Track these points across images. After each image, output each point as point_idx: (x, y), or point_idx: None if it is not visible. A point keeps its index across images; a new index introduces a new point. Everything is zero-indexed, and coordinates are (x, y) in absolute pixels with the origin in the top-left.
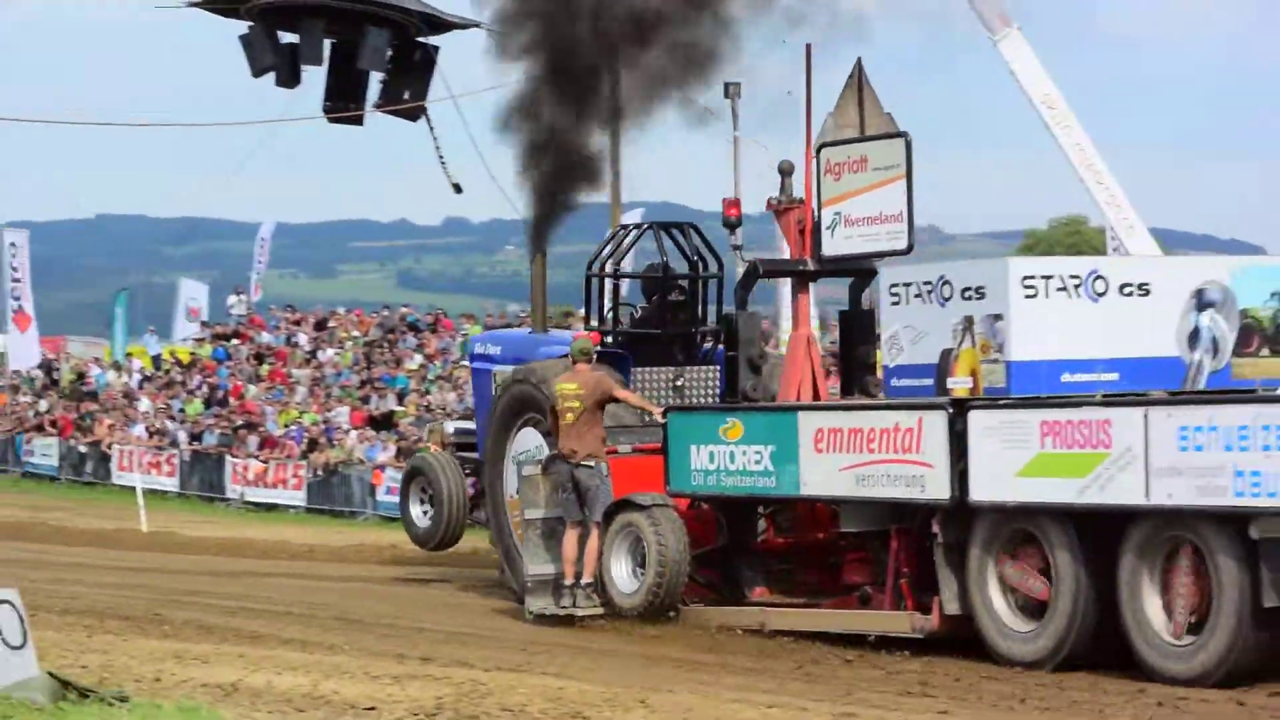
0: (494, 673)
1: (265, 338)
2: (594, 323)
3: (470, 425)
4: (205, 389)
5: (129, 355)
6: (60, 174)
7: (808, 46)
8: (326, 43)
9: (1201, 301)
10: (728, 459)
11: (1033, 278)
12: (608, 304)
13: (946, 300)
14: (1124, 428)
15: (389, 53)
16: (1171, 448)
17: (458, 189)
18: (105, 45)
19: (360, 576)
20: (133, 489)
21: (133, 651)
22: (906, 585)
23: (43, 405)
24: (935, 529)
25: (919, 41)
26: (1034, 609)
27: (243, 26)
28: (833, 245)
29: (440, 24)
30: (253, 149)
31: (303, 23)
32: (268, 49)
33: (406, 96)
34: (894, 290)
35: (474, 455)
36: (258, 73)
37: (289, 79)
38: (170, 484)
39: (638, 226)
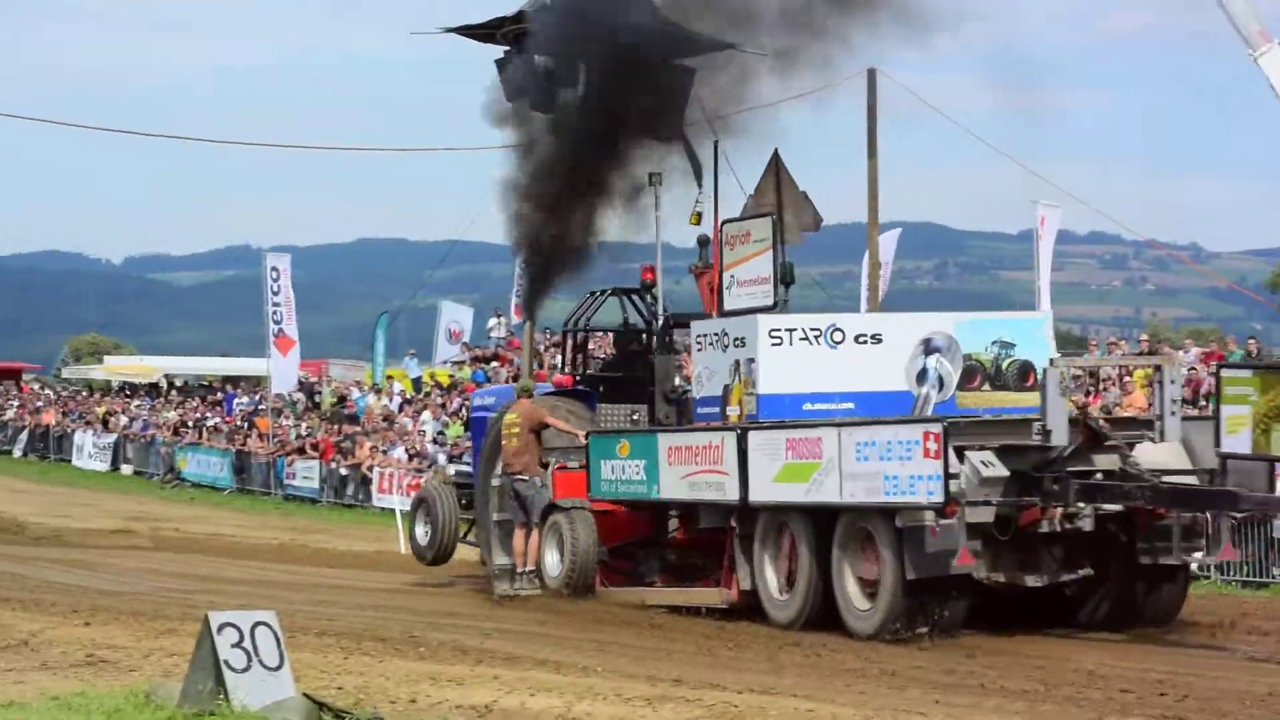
0: (745, 695)
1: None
2: (567, 369)
3: (466, 468)
4: (465, 412)
5: (389, 378)
6: (323, 199)
7: (715, 143)
8: (581, 66)
9: (929, 348)
10: (621, 471)
11: (778, 330)
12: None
13: (726, 348)
14: (828, 444)
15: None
16: (853, 459)
17: (698, 219)
18: (365, 73)
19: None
20: (393, 511)
21: (389, 673)
22: (728, 568)
23: (304, 428)
24: (734, 523)
25: (1183, 60)
26: (790, 584)
27: (498, 51)
28: (730, 302)
29: (694, 46)
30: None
31: (558, 46)
32: (523, 73)
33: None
34: (698, 339)
35: (469, 488)
36: (513, 96)
37: (545, 103)
38: None
39: (603, 292)
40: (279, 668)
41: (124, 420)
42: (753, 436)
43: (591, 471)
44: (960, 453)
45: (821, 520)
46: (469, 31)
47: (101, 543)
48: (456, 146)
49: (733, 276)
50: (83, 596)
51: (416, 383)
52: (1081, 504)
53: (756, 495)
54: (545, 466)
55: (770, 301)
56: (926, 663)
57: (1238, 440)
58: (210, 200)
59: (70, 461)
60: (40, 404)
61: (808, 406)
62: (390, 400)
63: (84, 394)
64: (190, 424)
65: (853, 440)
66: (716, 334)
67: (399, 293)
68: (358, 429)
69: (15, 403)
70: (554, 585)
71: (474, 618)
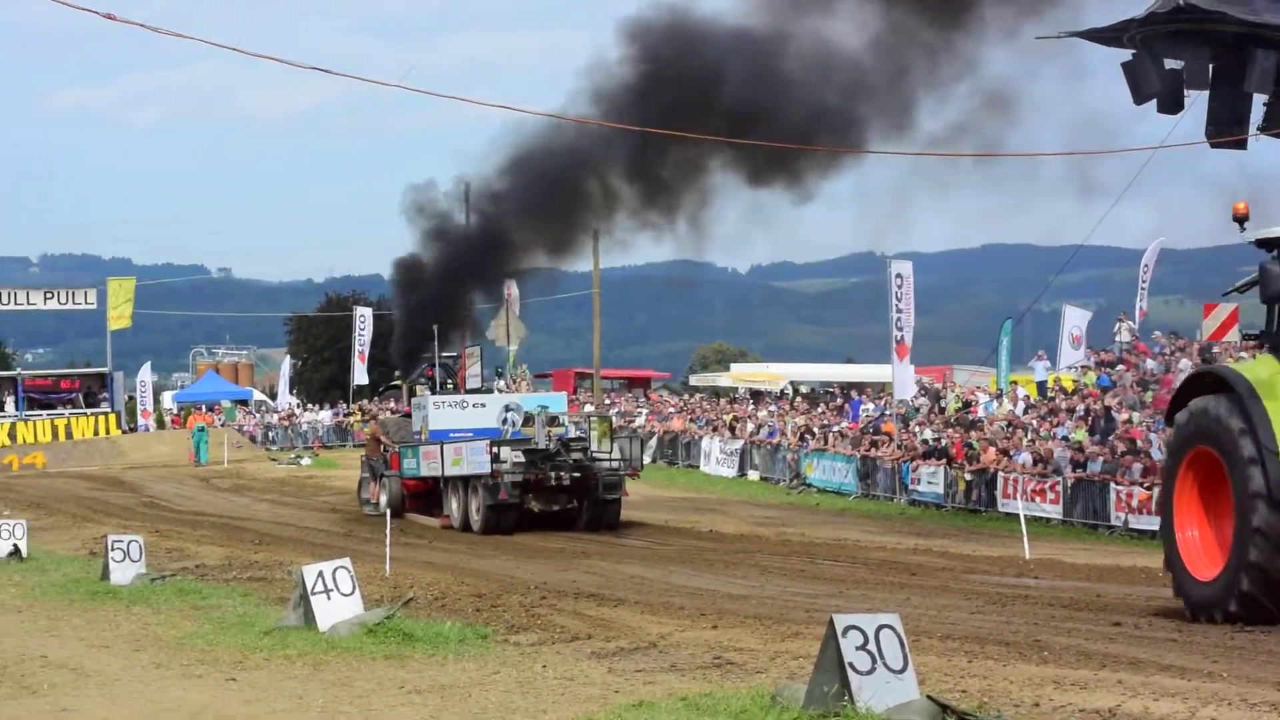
0: None
1: (1149, 364)
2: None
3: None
4: (1089, 416)
5: (1013, 383)
6: (948, 208)
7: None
8: (1210, 66)
9: (507, 408)
10: (410, 463)
11: (439, 402)
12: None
13: (421, 410)
14: (465, 448)
15: (1275, 74)
16: (465, 453)
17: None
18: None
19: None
20: (1016, 516)
21: (1012, 676)
22: (441, 508)
23: (929, 434)
24: (442, 485)
25: None
26: (459, 511)
27: (1125, 54)
28: (469, 384)
29: None
30: (1133, 176)
31: (1188, 47)
32: (1153, 75)
33: None
34: (413, 406)
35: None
36: (1141, 100)
37: (1172, 105)
38: (1053, 511)
39: (429, 365)
40: (903, 670)
41: (750, 426)
42: (446, 446)
43: (400, 461)
44: (507, 451)
45: (467, 481)
46: (1095, 35)
47: (729, 547)
48: (1076, 151)
49: (469, 374)
50: (710, 600)
51: (1041, 387)
52: (560, 473)
53: (448, 472)
54: (385, 453)
55: (479, 384)
56: None
57: (598, 441)
58: (831, 208)
59: (698, 467)
60: (670, 410)
61: (452, 435)
62: (1015, 405)
63: (711, 400)
64: (815, 430)
65: (473, 446)
66: (418, 405)
67: (1026, 297)
68: (983, 434)
69: (644, 410)
70: (384, 509)
71: (1097, 622)
